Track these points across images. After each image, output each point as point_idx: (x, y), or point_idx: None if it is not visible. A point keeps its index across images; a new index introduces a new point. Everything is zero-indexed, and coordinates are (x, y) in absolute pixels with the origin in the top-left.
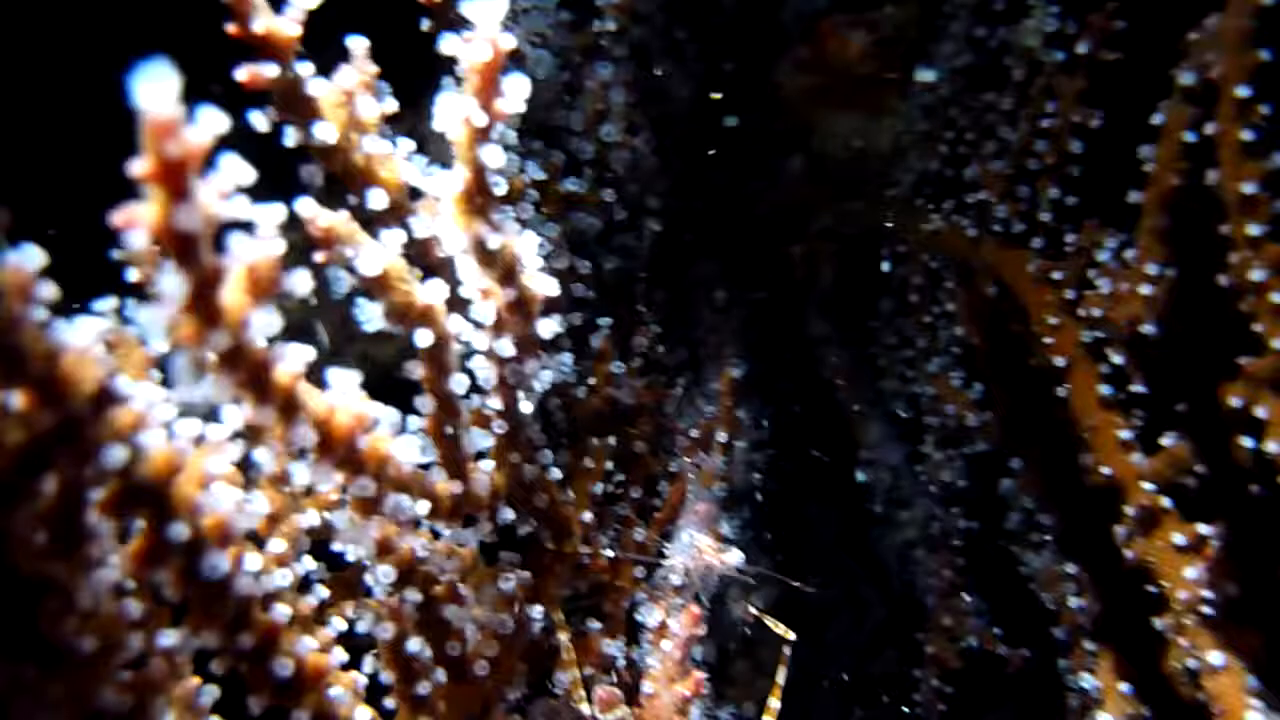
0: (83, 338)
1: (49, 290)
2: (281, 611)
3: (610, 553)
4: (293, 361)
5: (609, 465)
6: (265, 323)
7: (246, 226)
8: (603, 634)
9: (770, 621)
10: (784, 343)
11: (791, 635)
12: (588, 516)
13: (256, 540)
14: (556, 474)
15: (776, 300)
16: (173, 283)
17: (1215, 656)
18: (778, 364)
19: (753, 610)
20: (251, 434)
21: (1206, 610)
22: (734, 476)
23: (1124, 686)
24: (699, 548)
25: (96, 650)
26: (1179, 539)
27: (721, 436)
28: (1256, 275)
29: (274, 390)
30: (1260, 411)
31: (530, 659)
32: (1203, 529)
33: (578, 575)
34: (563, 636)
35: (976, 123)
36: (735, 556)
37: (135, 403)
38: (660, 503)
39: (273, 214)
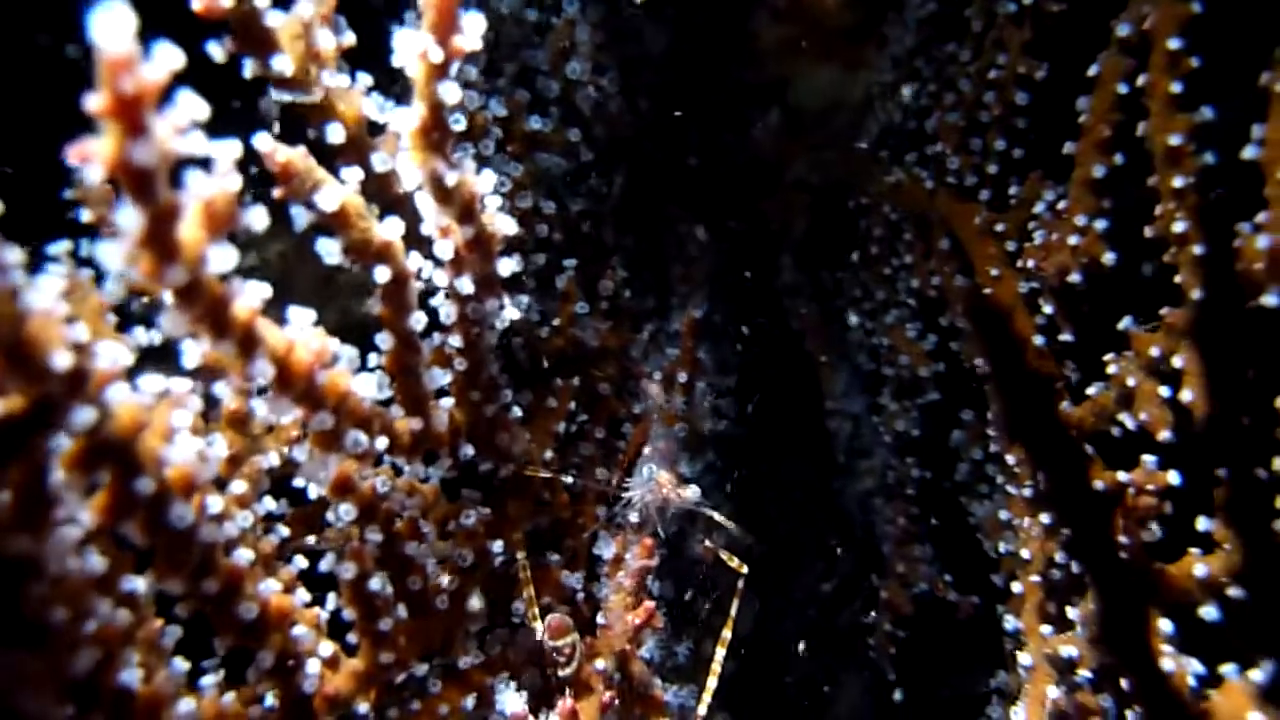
0: (46, 299)
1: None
2: (244, 555)
3: (570, 482)
4: (250, 297)
5: (572, 406)
6: (222, 257)
7: (204, 163)
8: (562, 567)
9: (725, 556)
10: (755, 294)
11: (745, 570)
12: (549, 454)
13: (217, 482)
14: (518, 413)
15: (748, 251)
16: (129, 218)
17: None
18: (748, 314)
19: (709, 546)
20: (211, 369)
21: (1123, 555)
22: (698, 420)
23: (1045, 628)
24: (658, 482)
25: (68, 620)
26: (1099, 485)
27: (682, 377)
28: (1179, 227)
29: (232, 325)
30: (1178, 361)
31: (492, 592)
32: (1122, 476)
33: (540, 512)
34: (521, 568)
35: (938, 75)
36: (692, 492)
37: (100, 361)
38: (624, 444)
39: (229, 150)
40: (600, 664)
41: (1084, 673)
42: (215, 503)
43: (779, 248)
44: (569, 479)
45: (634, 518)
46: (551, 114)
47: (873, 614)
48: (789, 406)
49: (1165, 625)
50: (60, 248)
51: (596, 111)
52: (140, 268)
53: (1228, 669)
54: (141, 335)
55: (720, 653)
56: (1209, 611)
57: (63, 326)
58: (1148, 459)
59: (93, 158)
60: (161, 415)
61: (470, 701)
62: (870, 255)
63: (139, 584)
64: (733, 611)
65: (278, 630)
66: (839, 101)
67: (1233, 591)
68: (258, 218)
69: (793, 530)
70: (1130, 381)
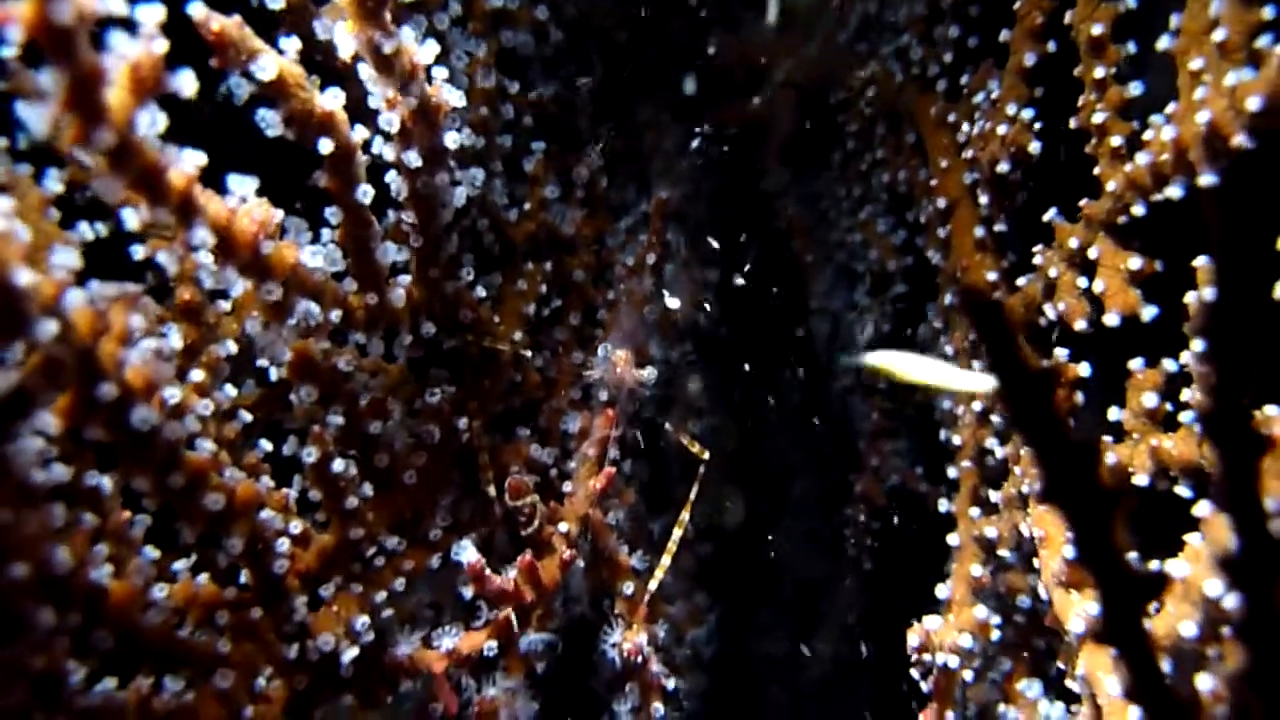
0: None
1: None
2: (207, 446)
3: (541, 364)
4: (186, 164)
5: (545, 291)
6: (150, 122)
7: (130, 27)
8: (531, 441)
9: (687, 440)
10: (740, 193)
11: (706, 455)
12: (518, 335)
13: (176, 373)
14: (481, 292)
15: (733, 151)
16: (51, 80)
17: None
18: (733, 213)
19: (670, 428)
20: (150, 238)
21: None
22: (675, 308)
23: (974, 510)
24: (613, 360)
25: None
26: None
27: (650, 258)
28: (1098, 118)
29: (169, 191)
30: (1093, 253)
31: (460, 467)
32: (1044, 365)
33: (510, 391)
34: (475, 436)
35: None
36: (648, 373)
37: (55, 271)
38: (600, 331)
39: (153, 13)
40: (563, 526)
41: (1005, 552)
42: (174, 394)
43: (765, 148)
44: (539, 360)
45: (604, 396)
46: None
47: (849, 507)
48: (777, 306)
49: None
50: None
51: None
52: (67, 132)
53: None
54: (87, 230)
55: (676, 532)
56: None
57: (17, 243)
58: (1060, 351)
59: (11, 19)
60: (118, 318)
61: (435, 561)
62: (848, 152)
63: (104, 481)
64: (691, 494)
65: (244, 517)
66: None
67: (1138, 480)
68: (186, 82)
69: (787, 431)
70: (1053, 272)
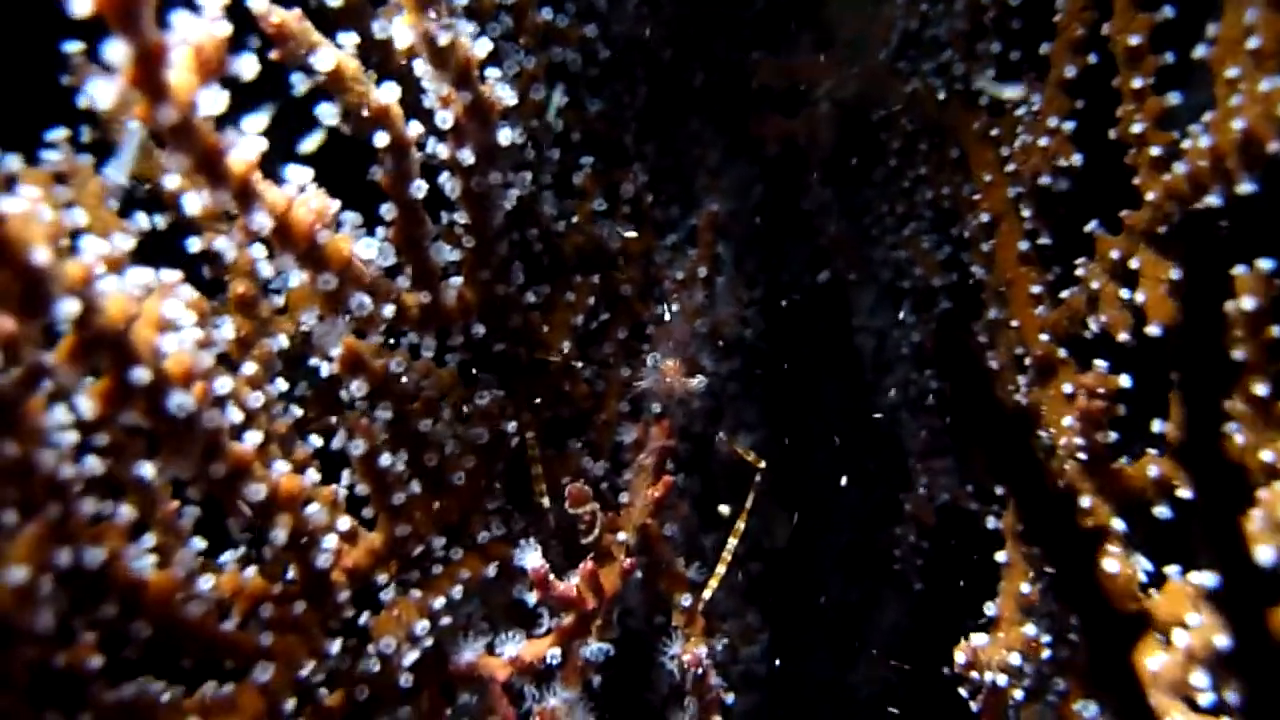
0: (20, 203)
1: None
2: (253, 437)
3: (589, 375)
4: (247, 149)
5: (593, 303)
6: (213, 102)
7: (193, 9)
8: (582, 453)
9: (742, 450)
10: (784, 210)
11: (762, 464)
12: (566, 345)
13: (229, 364)
14: (531, 298)
15: (776, 169)
16: (117, 51)
17: (1086, 499)
18: (776, 230)
19: (723, 438)
20: (209, 223)
21: (1080, 456)
22: (723, 323)
23: (1021, 526)
24: (662, 370)
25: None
26: (1068, 388)
27: (702, 271)
28: (1137, 128)
29: (228, 174)
30: (1134, 263)
31: (509, 472)
32: (1084, 378)
33: (559, 399)
34: (530, 446)
35: None
36: (698, 383)
37: (85, 255)
38: (647, 346)
39: None
40: (622, 535)
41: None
42: (224, 385)
43: (807, 165)
44: (587, 371)
45: (656, 408)
46: (567, 8)
47: (899, 526)
48: (819, 324)
49: (1118, 525)
50: (58, 134)
51: (614, 11)
52: (134, 108)
53: (1171, 569)
54: (144, 220)
55: (732, 542)
56: (1161, 511)
57: (39, 224)
58: (1099, 363)
59: None
60: (152, 305)
61: (492, 570)
62: (890, 168)
63: (148, 469)
64: (747, 502)
65: (288, 510)
66: (872, 21)
67: (1183, 493)
68: (248, 66)
69: (830, 448)
70: (1095, 284)
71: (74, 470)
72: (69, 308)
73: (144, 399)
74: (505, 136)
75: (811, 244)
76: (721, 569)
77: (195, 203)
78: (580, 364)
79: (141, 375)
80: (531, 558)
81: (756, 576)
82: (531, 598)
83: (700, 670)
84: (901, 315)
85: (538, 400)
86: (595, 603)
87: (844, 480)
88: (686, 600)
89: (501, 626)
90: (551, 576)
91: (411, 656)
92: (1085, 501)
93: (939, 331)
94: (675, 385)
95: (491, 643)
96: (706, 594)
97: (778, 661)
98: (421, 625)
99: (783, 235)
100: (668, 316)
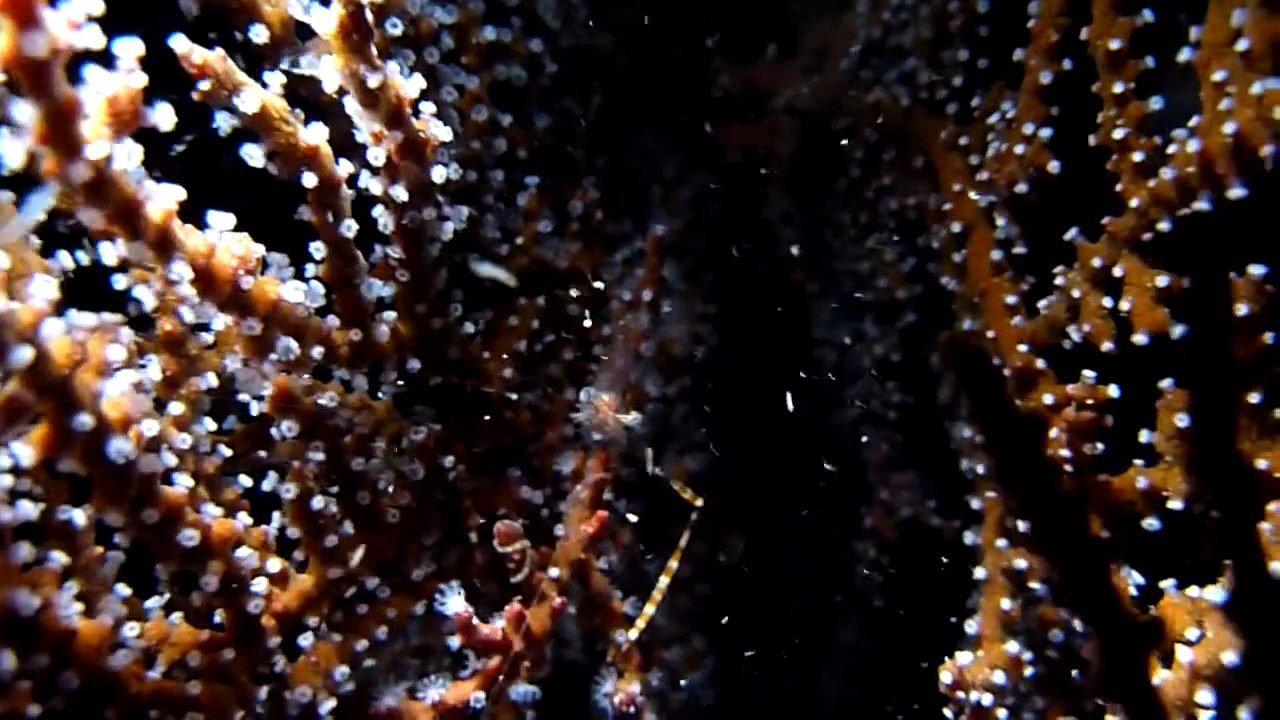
0: None
1: None
2: (183, 480)
3: (532, 402)
4: (165, 198)
5: (538, 326)
6: (128, 155)
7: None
8: (521, 483)
9: (677, 486)
10: (741, 222)
11: (699, 501)
12: (508, 372)
13: (155, 404)
14: (470, 328)
15: (734, 179)
16: (26, 112)
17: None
18: (733, 242)
19: (664, 475)
20: (129, 272)
21: (1067, 468)
22: (672, 342)
23: (1001, 542)
24: (596, 405)
25: None
26: (1049, 399)
27: (647, 294)
28: (1119, 134)
29: (146, 225)
30: (1118, 270)
31: (446, 508)
32: (1071, 389)
33: (500, 429)
34: (461, 479)
35: None
36: (632, 419)
37: (34, 300)
38: (595, 366)
39: (131, 47)
40: (554, 571)
41: (1036, 585)
42: (151, 427)
43: (767, 176)
44: (530, 398)
45: (598, 436)
46: (512, 24)
47: (859, 541)
48: (778, 337)
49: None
50: None
51: (564, 25)
52: (43, 164)
53: (1167, 584)
54: (67, 260)
55: (663, 580)
56: (1150, 523)
57: None
58: (1087, 373)
59: None
60: (96, 349)
61: (419, 608)
62: (853, 179)
63: (77, 515)
64: (681, 541)
65: (220, 555)
66: (834, 29)
67: (1173, 504)
68: (164, 116)
69: (787, 463)
70: (1075, 293)
71: (10, 515)
72: (22, 356)
73: (83, 446)
74: (440, 174)
75: (771, 255)
76: (650, 608)
77: (112, 253)
78: (519, 394)
79: (84, 422)
80: (454, 602)
81: (704, 598)
82: (456, 642)
83: (633, 709)
84: (864, 327)
85: (476, 431)
86: (523, 645)
87: (802, 492)
88: (622, 636)
89: (431, 666)
90: (475, 620)
91: (329, 705)
92: (1075, 514)
93: (903, 344)
94: (609, 422)
95: (414, 686)
96: (633, 633)
97: (732, 684)
98: (341, 670)
99: (740, 246)
100: (613, 342)
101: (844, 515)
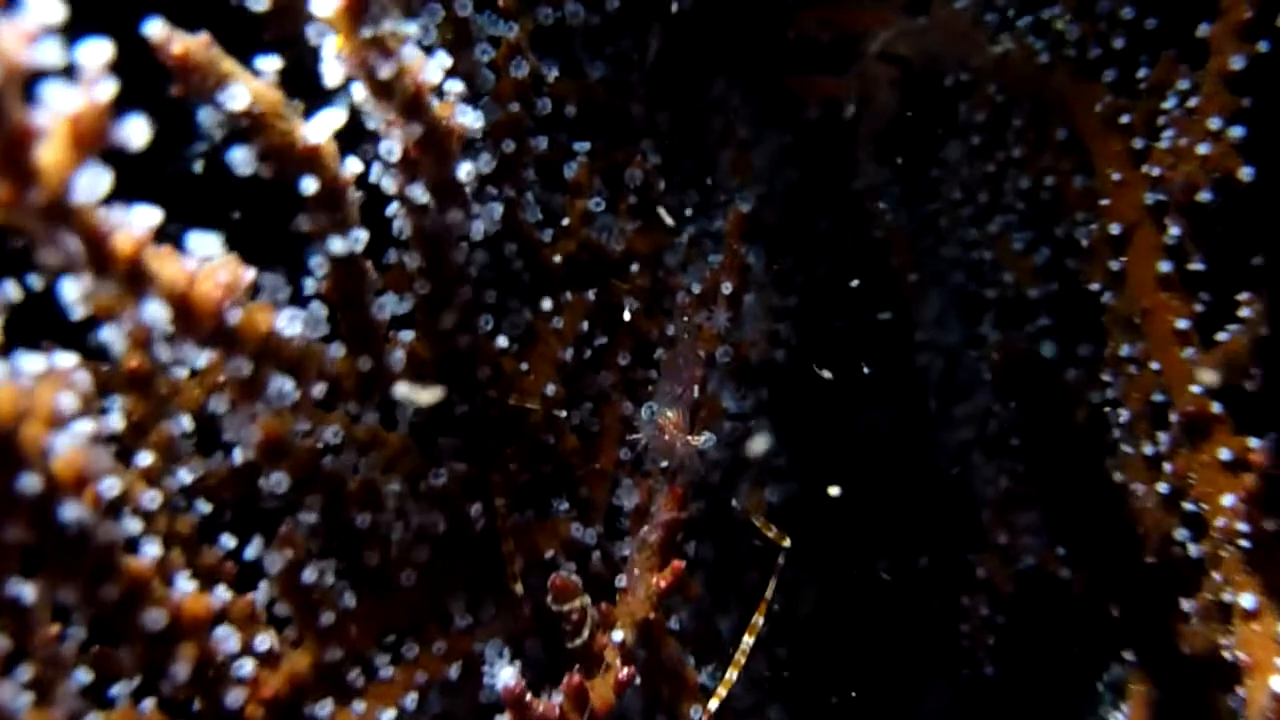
0: None
1: None
2: (151, 550)
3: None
4: (137, 224)
5: (586, 327)
6: (94, 182)
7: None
8: (572, 519)
9: (761, 524)
10: (827, 194)
11: (786, 542)
12: (551, 389)
13: (120, 453)
14: (505, 342)
15: (819, 141)
16: None
17: (1248, 598)
18: (817, 220)
19: (745, 510)
20: (99, 314)
21: (1244, 543)
22: (749, 346)
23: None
24: (660, 425)
25: None
26: (1226, 454)
27: (726, 288)
28: None
29: (114, 258)
30: None
31: (475, 560)
32: (1254, 444)
33: (541, 457)
34: (500, 519)
35: None
36: (704, 440)
37: None
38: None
39: (97, 53)
40: (618, 635)
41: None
42: (112, 486)
43: (857, 137)
44: (578, 416)
45: (665, 463)
46: None
47: (967, 596)
48: (869, 337)
49: None
50: None
51: None
52: None
53: None
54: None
55: (747, 640)
56: None
57: None
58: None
59: None
60: (45, 398)
61: (454, 670)
62: (970, 146)
63: (27, 590)
64: (768, 591)
65: (192, 639)
66: None
67: None
68: (136, 132)
69: (874, 493)
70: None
71: None
72: None
73: (30, 511)
74: (467, 172)
75: (861, 236)
76: (733, 674)
77: (74, 291)
78: (565, 412)
79: (31, 484)
80: (505, 674)
81: (783, 661)
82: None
83: None
84: (983, 330)
85: (512, 461)
86: None
87: (892, 532)
88: (696, 713)
89: None
90: (529, 696)
91: None
92: (1247, 601)
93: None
94: (678, 445)
95: None
96: (712, 704)
97: None
98: None
99: (825, 225)
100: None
101: (946, 561)
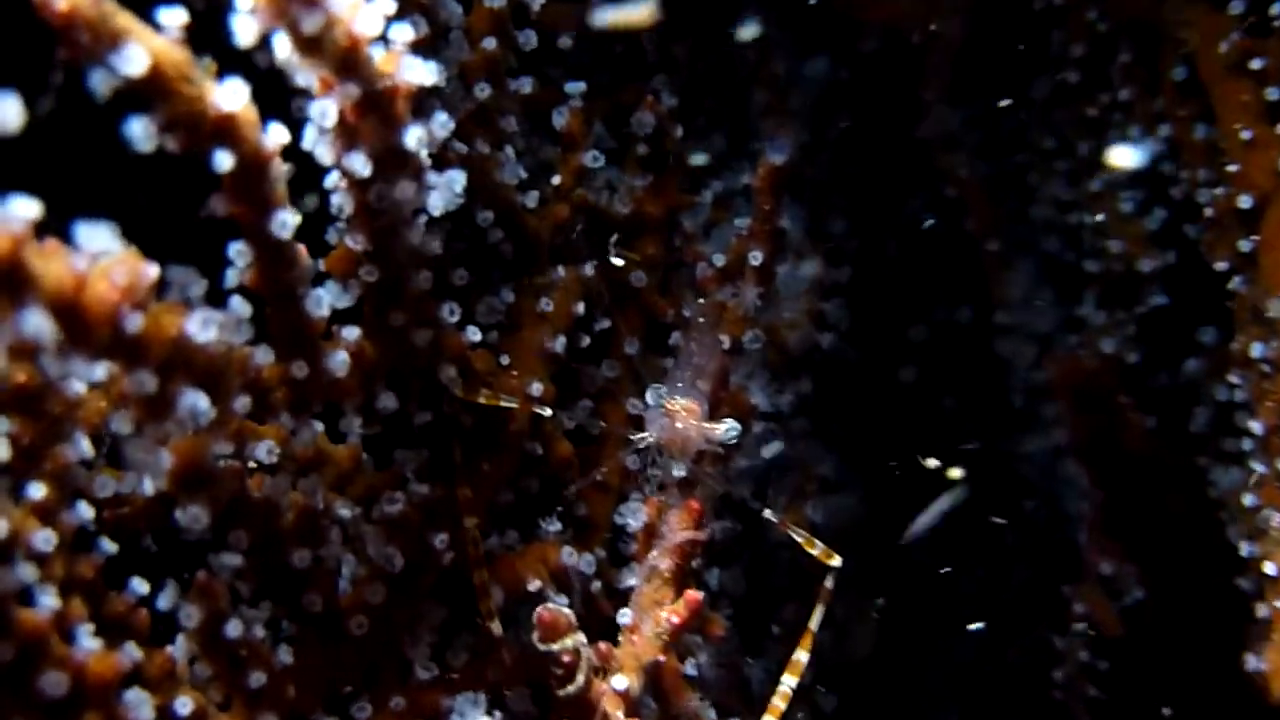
0: None
1: None
2: (47, 601)
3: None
4: (14, 219)
5: (581, 309)
6: None
7: None
8: (562, 542)
9: (804, 539)
10: (885, 142)
11: (836, 561)
12: (537, 385)
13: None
14: (477, 335)
15: (873, 75)
16: None
17: None
18: (873, 175)
19: (784, 523)
20: None
21: None
22: (785, 329)
23: None
24: (671, 414)
25: None
26: None
27: (756, 257)
28: None
29: None
30: None
31: (444, 599)
32: None
33: (525, 469)
34: (470, 544)
35: None
36: (726, 429)
37: None
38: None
39: None
40: (620, 682)
41: None
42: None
43: (922, 73)
44: (573, 419)
45: (678, 471)
46: None
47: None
48: (938, 319)
49: None
50: None
51: None
52: None
53: None
54: None
55: (788, 681)
56: None
57: None
58: None
59: None
60: None
61: None
62: (1064, 85)
63: None
64: (813, 620)
65: (99, 706)
66: None
67: None
68: (8, 112)
69: (947, 513)
70: None
71: None
72: None
73: None
74: (417, 138)
75: (930, 194)
76: None
77: None
78: (556, 414)
79: None
80: None
81: (831, 715)
82: None
83: None
84: (1083, 311)
85: (490, 476)
86: None
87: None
88: None
89: None
90: None
91: None
92: None
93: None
94: (692, 435)
95: None
96: None
97: None
98: None
99: (883, 181)
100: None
101: (1033, 594)
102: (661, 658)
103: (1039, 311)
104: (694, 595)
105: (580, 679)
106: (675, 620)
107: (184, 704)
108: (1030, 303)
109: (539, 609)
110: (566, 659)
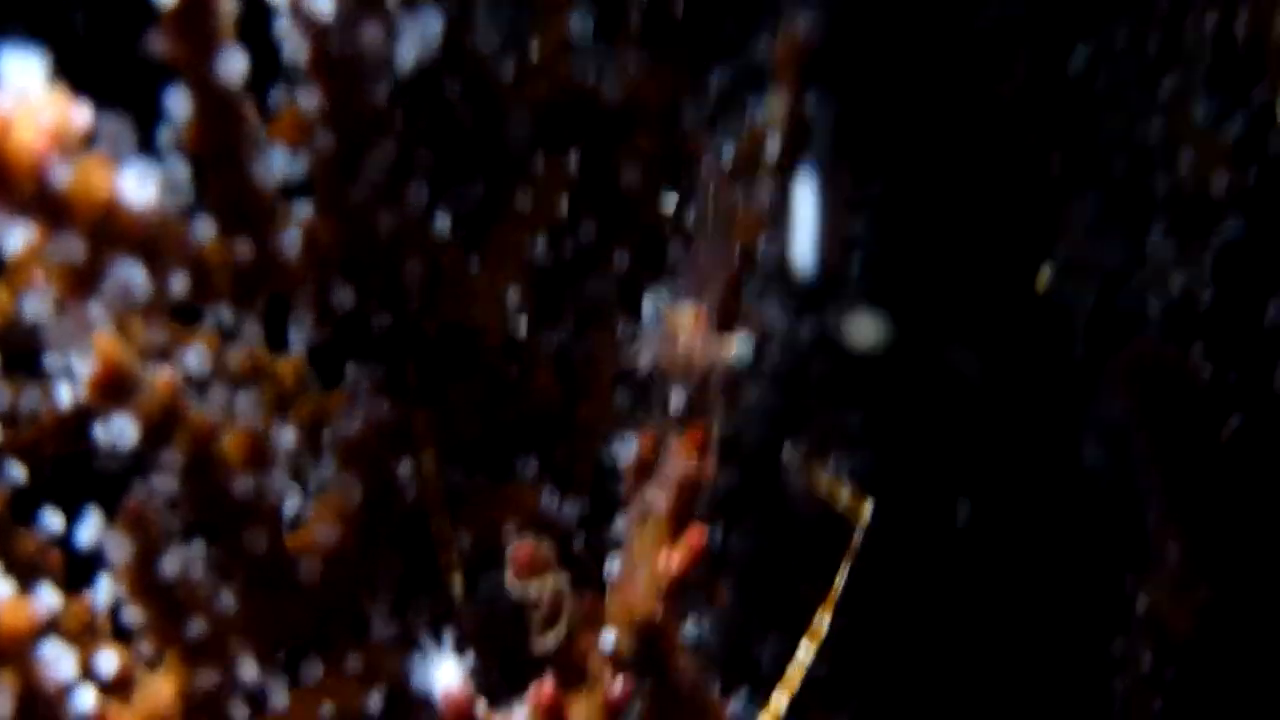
0: None
1: None
2: None
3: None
4: None
5: (567, 210)
6: None
7: None
8: (541, 484)
9: (831, 488)
10: (924, 33)
11: (867, 514)
12: (515, 298)
13: None
14: (445, 224)
15: None
16: None
17: None
18: (910, 71)
19: (796, 459)
20: None
21: None
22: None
23: None
24: (671, 325)
25: None
26: None
27: (773, 150)
28: None
29: None
30: None
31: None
32: None
33: (501, 398)
34: (429, 484)
35: None
36: (738, 346)
37: None
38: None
39: None
40: (608, 638)
41: None
42: None
43: None
44: (554, 339)
45: (677, 399)
46: None
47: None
48: (991, 250)
49: None
50: None
51: None
52: None
53: None
54: None
55: (804, 650)
56: None
57: None
58: None
59: None
60: None
61: (374, 699)
62: None
63: None
64: (838, 582)
65: (12, 663)
66: None
67: None
68: None
69: (994, 480)
70: None
71: None
72: None
73: None
74: None
75: (980, 99)
76: (783, 700)
77: None
78: (535, 334)
79: None
80: (443, 673)
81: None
82: None
83: None
84: (1153, 240)
85: (458, 402)
86: None
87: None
88: None
89: None
90: (480, 708)
91: None
92: None
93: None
94: (697, 352)
95: None
96: None
97: None
98: None
99: (921, 78)
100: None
101: (1092, 586)
102: (658, 612)
103: (1106, 244)
104: (697, 536)
105: (561, 630)
106: (675, 567)
107: (108, 659)
108: (1098, 233)
109: (513, 546)
110: (548, 604)
